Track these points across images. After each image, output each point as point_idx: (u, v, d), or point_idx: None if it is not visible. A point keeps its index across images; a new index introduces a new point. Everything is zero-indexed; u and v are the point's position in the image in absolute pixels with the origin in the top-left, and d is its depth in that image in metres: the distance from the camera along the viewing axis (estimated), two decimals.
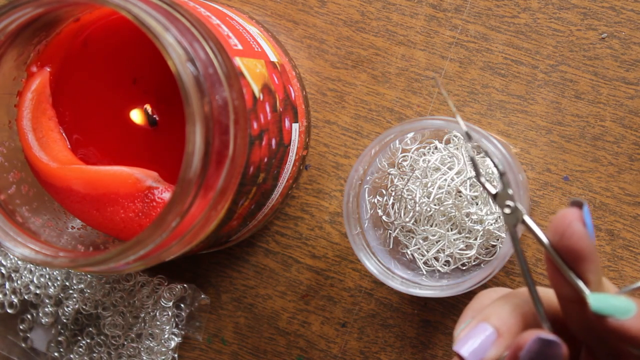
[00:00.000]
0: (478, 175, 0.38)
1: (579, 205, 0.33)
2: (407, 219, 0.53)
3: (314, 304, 0.57)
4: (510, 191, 0.37)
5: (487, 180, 0.39)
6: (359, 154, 0.56)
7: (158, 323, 0.58)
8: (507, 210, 0.37)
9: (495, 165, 0.38)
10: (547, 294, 0.37)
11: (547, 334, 0.33)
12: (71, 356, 0.59)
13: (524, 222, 0.36)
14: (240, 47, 0.47)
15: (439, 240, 0.53)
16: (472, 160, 0.38)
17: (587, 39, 0.53)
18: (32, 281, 0.59)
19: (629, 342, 0.32)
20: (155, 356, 0.58)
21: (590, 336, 0.35)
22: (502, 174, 0.37)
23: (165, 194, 0.47)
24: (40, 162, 0.48)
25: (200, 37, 0.42)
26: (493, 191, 0.37)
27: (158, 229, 0.40)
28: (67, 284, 0.59)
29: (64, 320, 0.59)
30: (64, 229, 0.48)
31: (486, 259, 0.53)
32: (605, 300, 0.32)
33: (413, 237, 0.53)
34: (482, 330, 0.35)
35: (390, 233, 0.54)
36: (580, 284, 0.33)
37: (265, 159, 0.47)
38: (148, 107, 0.50)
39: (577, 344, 0.37)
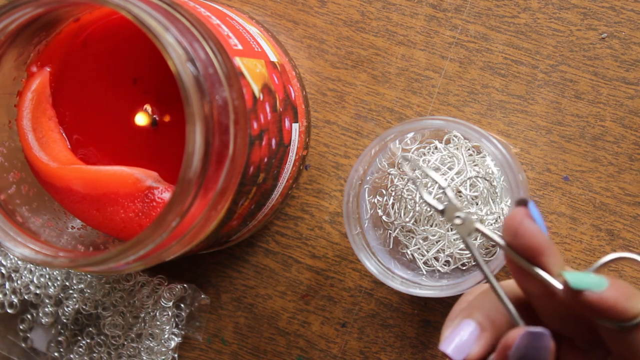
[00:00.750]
0: (422, 195, 0.38)
1: (524, 203, 0.34)
2: (407, 219, 0.53)
3: (314, 304, 0.57)
4: (457, 202, 0.37)
5: (433, 197, 0.39)
6: (359, 154, 0.56)
7: (158, 323, 0.58)
8: (457, 222, 0.37)
9: (438, 183, 0.38)
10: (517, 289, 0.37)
11: (534, 328, 0.34)
12: (71, 356, 0.59)
13: (477, 229, 0.37)
14: (240, 47, 0.47)
15: (439, 240, 0.53)
16: (415, 182, 0.39)
17: (587, 39, 0.53)
18: (32, 281, 0.59)
19: (606, 314, 0.33)
20: (155, 356, 0.58)
21: (566, 325, 0.36)
22: (444, 189, 0.38)
23: (165, 194, 0.47)
24: (40, 162, 0.48)
25: (200, 37, 0.42)
26: (440, 207, 0.38)
27: (158, 229, 0.40)
28: (67, 284, 0.59)
29: (64, 320, 0.59)
30: (64, 229, 0.48)
31: (486, 259, 0.53)
32: (580, 277, 0.33)
33: (413, 237, 0.53)
34: (466, 327, 0.36)
35: (390, 233, 0.54)
36: (546, 275, 0.34)
37: (265, 159, 0.47)
38: (148, 107, 0.50)
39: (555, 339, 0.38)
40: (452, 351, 0.35)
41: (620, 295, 0.33)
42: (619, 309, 0.33)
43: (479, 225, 0.37)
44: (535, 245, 0.34)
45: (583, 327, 0.36)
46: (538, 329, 0.34)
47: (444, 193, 0.38)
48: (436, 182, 0.38)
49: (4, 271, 0.59)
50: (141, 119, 0.50)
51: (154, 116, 0.50)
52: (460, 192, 0.52)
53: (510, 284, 0.37)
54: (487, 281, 0.36)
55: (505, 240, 0.35)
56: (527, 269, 0.34)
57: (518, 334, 0.34)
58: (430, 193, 0.38)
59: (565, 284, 0.33)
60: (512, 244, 0.34)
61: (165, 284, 0.58)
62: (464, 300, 0.39)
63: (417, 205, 0.53)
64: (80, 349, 0.59)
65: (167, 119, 0.50)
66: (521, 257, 0.34)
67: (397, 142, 0.53)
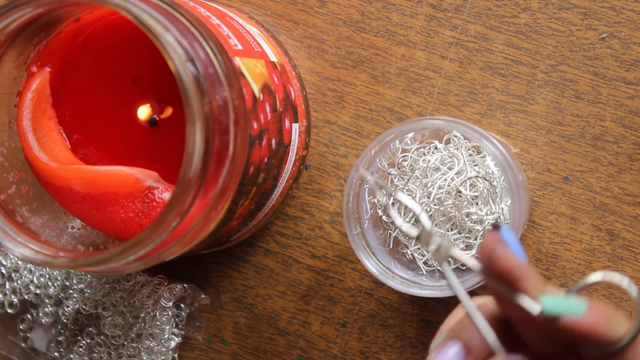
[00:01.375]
0: (396, 221, 0.38)
1: (497, 228, 0.33)
2: (407, 219, 0.53)
3: (314, 304, 0.57)
4: (431, 228, 0.37)
5: (408, 224, 0.38)
6: (359, 154, 0.56)
7: (158, 323, 0.58)
8: (432, 248, 0.36)
9: (412, 209, 0.38)
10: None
11: (513, 357, 0.33)
12: (71, 356, 0.59)
13: (452, 256, 0.36)
14: (240, 47, 0.47)
15: None
16: (387, 209, 0.39)
17: (587, 39, 0.53)
18: (32, 281, 0.59)
19: (585, 339, 0.32)
20: (155, 356, 0.58)
21: (549, 347, 0.35)
22: (417, 215, 0.37)
23: (165, 194, 0.47)
24: (40, 162, 0.48)
25: (200, 37, 0.42)
26: (414, 233, 0.37)
27: (158, 229, 0.40)
28: (67, 284, 0.59)
29: (64, 320, 0.59)
30: (64, 229, 0.48)
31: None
32: (557, 301, 0.32)
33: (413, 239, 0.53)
34: (452, 347, 0.35)
35: (390, 233, 0.54)
36: (523, 299, 0.33)
37: (265, 159, 0.47)
38: (148, 107, 0.50)
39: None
40: None
41: (599, 320, 0.32)
42: (599, 334, 0.32)
43: (454, 252, 0.36)
44: (509, 271, 0.33)
45: (567, 349, 0.35)
46: (515, 359, 0.33)
47: (419, 220, 0.37)
48: (412, 210, 0.38)
49: (4, 271, 0.59)
50: (144, 114, 0.50)
51: (154, 116, 0.50)
52: (460, 192, 0.52)
53: (492, 301, 0.37)
54: (465, 308, 0.35)
55: (482, 266, 0.34)
56: (504, 294, 0.33)
57: None
58: (407, 216, 0.38)
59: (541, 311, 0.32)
60: (489, 270, 0.33)
61: (165, 284, 0.58)
62: (452, 319, 0.39)
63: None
64: (80, 349, 0.59)
65: (167, 119, 0.50)
66: (498, 282, 0.34)
67: (397, 142, 0.53)
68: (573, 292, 0.34)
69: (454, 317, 0.39)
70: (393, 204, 0.39)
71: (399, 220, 0.37)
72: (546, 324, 0.32)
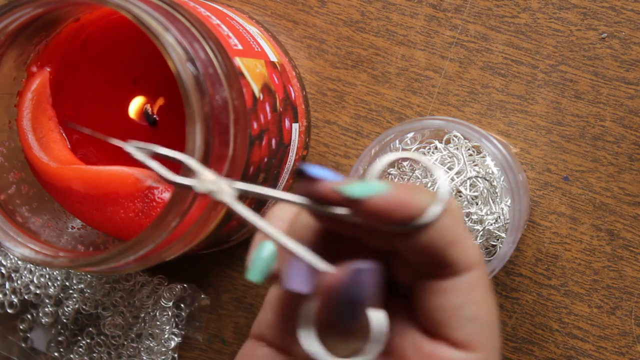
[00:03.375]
0: (165, 177, 0.34)
1: (303, 173, 0.32)
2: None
3: None
4: (199, 167, 0.33)
5: (173, 174, 0.34)
6: (359, 154, 0.56)
7: (158, 323, 0.58)
8: (211, 187, 0.33)
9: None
10: (302, 221, 0.34)
11: (359, 263, 0.31)
12: (71, 356, 0.59)
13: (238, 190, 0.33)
14: (240, 47, 0.47)
15: None
16: (150, 164, 0.34)
17: (587, 39, 0.53)
18: (32, 281, 0.59)
19: (393, 217, 0.31)
20: (155, 356, 0.58)
21: (372, 238, 0.33)
22: (182, 161, 0.34)
23: (165, 194, 0.47)
24: (40, 162, 0.48)
25: (200, 37, 0.42)
26: (187, 181, 0.34)
27: (158, 229, 0.40)
28: (67, 284, 0.59)
29: (64, 320, 0.59)
30: (64, 229, 0.48)
31: (486, 258, 0.53)
32: (359, 185, 0.31)
33: None
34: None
35: None
36: (336, 209, 0.32)
37: (265, 159, 0.47)
38: (148, 107, 0.50)
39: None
40: (301, 285, 0.32)
41: (403, 194, 0.31)
42: (405, 209, 0.31)
43: (238, 184, 0.33)
44: (335, 196, 0.32)
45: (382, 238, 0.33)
46: (363, 265, 0.31)
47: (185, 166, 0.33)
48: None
49: (4, 271, 0.59)
50: (141, 119, 0.50)
51: (154, 116, 0.50)
52: (460, 192, 0.52)
53: (301, 221, 0.34)
54: (278, 243, 0.32)
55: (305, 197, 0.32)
56: (322, 212, 0.32)
57: (342, 273, 0.31)
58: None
59: (348, 199, 0.31)
60: (316, 200, 0.32)
61: (165, 284, 0.58)
62: (276, 224, 0.35)
63: None
64: (80, 349, 0.59)
65: (167, 119, 0.50)
66: (311, 203, 0.32)
67: (397, 142, 0.53)
68: (370, 178, 0.33)
69: (274, 219, 0.35)
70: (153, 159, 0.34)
71: (168, 175, 0.34)
72: (353, 215, 0.31)
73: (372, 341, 0.32)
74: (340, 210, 0.32)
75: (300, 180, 0.32)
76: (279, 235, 0.32)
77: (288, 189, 0.55)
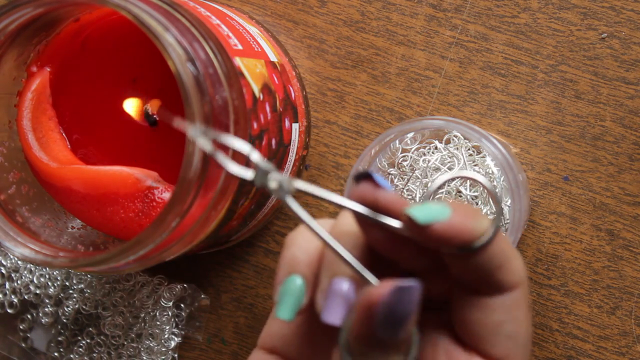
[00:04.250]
0: (227, 168, 0.33)
1: (367, 177, 0.32)
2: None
3: None
4: (266, 165, 0.33)
5: (239, 166, 0.34)
6: (359, 154, 0.56)
7: (158, 323, 0.58)
8: (273, 185, 0.33)
9: (242, 151, 0.33)
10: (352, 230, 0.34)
11: (404, 281, 0.31)
12: (71, 356, 0.59)
13: (298, 190, 0.33)
14: (240, 47, 0.47)
15: None
16: (216, 157, 0.33)
17: (587, 39, 0.53)
18: (32, 281, 0.59)
19: (454, 241, 0.31)
20: (155, 356, 0.58)
21: (404, 256, 0.33)
22: (248, 156, 0.33)
23: (165, 194, 0.47)
24: (40, 162, 0.48)
25: (200, 37, 0.42)
26: (250, 175, 0.33)
27: (158, 229, 0.40)
28: (67, 284, 0.59)
29: (64, 320, 0.59)
30: (64, 229, 0.48)
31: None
32: (424, 210, 0.31)
33: None
34: (341, 285, 0.32)
35: None
36: (390, 220, 0.32)
37: (266, 159, 0.47)
38: (148, 107, 0.50)
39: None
40: (338, 320, 0.32)
41: (465, 219, 0.31)
42: (466, 234, 0.31)
43: (299, 184, 0.32)
44: (389, 207, 0.32)
45: (434, 260, 0.34)
46: (408, 283, 0.31)
47: (251, 160, 0.32)
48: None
49: (4, 271, 0.59)
50: (141, 119, 0.50)
51: (154, 116, 0.50)
52: (460, 192, 0.52)
53: (345, 231, 0.34)
54: (327, 245, 0.32)
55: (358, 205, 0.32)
56: (373, 221, 0.32)
57: (386, 289, 0.30)
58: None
59: (411, 221, 0.31)
60: (371, 209, 0.32)
61: (165, 284, 0.58)
62: (296, 251, 0.34)
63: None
64: (80, 349, 0.59)
65: (166, 119, 0.50)
66: (365, 212, 0.32)
67: (397, 142, 0.53)
68: (428, 199, 0.33)
69: (298, 250, 0.34)
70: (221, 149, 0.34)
71: (230, 166, 0.33)
72: (414, 236, 0.31)
73: (408, 356, 0.32)
74: (394, 223, 0.32)
75: (363, 184, 0.32)
76: (331, 239, 0.32)
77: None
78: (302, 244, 0.35)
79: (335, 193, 0.33)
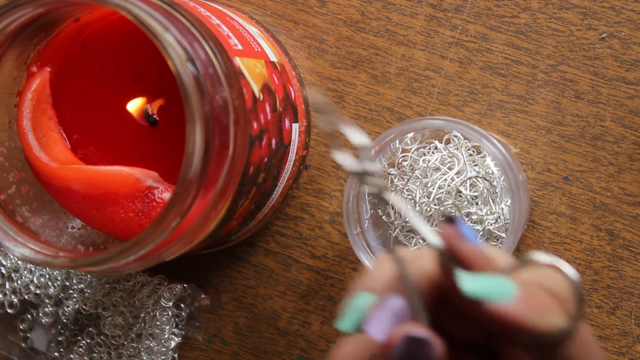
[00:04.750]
0: (338, 159, 0.33)
1: (452, 221, 0.30)
2: (407, 219, 0.53)
3: (314, 304, 0.57)
4: (370, 169, 0.32)
5: (434, 196, 0.35)
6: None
7: (158, 323, 0.58)
8: (372, 190, 0.32)
9: (361, 143, 0.33)
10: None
11: (416, 330, 0.28)
12: (71, 356, 0.59)
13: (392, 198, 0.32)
14: (240, 47, 0.47)
15: None
16: (330, 137, 0.33)
17: (587, 39, 0.53)
18: (32, 281, 0.59)
19: (511, 329, 0.28)
20: (155, 356, 0.58)
21: (478, 335, 0.31)
22: (365, 148, 0.33)
23: (165, 194, 0.47)
24: (40, 162, 0.48)
25: (200, 37, 0.42)
26: (356, 168, 0.33)
27: (158, 229, 0.40)
28: (67, 284, 0.59)
29: (64, 320, 0.59)
30: (64, 229, 0.48)
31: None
32: (481, 281, 0.27)
33: (413, 237, 0.53)
34: (393, 307, 0.30)
35: (390, 233, 0.54)
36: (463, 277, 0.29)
37: (265, 159, 0.47)
38: (148, 107, 0.50)
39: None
40: (382, 332, 0.30)
41: (529, 310, 0.27)
42: (527, 325, 0.27)
43: (394, 198, 0.32)
44: (470, 259, 0.29)
45: (495, 338, 0.31)
46: (419, 334, 0.28)
47: (362, 155, 0.32)
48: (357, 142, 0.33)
49: (4, 271, 0.59)
50: (141, 119, 0.50)
51: (154, 116, 0.50)
52: (460, 192, 0.52)
53: (423, 264, 0.31)
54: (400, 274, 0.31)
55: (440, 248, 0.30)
56: (451, 268, 0.30)
57: (399, 334, 0.28)
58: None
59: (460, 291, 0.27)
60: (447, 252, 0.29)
61: (165, 284, 0.58)
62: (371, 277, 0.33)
63: (416, 205, 0.53)
64: (80, 349, 0.59)
65: (167, 119, 0.50)
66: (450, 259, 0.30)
67: (397, 142, 0.53)
68: (506, 273, 0.29)
69: (379, 272, 0.33)
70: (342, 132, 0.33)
71: (340, 157, 0.33)
72: (467, 304, 0.28)
73: None
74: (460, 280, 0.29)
75: (447, 229, 0.29)
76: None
77: (288, 188, 0.55)
78: (385, 267, 0.33)
79: (425, 226, 0.31)
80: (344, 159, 0.32)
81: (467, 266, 0.29)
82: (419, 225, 0.31)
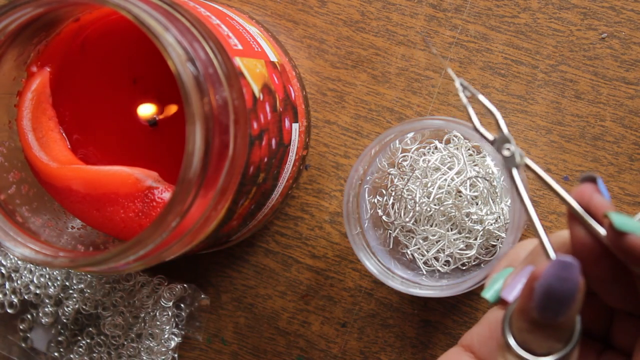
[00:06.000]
0: (475, 123, 0.38)
1: (592, 180, 0.33)
2: (407, 219, 0.53)
3: (314, 304, 0.57)
4: (507, 135, 0.36)
5: (434, 196, 0.38)
6: (359, 154, 0.56)
7: (158, 323, 0.58)
8: (506, 153, 0.36)
9: (492, 112, 0.37)
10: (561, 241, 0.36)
11: (564, 256, 0.32)
12: (71, 356, 0.59)
13: (526, 165, 0.36)
14: (240, 47, 0.47)
15: (439, 240, 0.53)
16: (467, 108, 0.38)
17: (587, 39, 0.53)
18: (32, 281, 0.59)
19: None
20: (155, 356, 0.58)
21: (610, 284, 0.34)
22: (497, 120, 0.37)
23: (165, 194, 0.47)
24: (40, 162, 0.48)
25: (200, 37, 0.42)
26: (491, 137, 0.37)
27: (158, 229, 0.40)
28: (67, 284, 0.59)
29: (64, 320, 0.59)
30: (64, 229, 0.48)
31: (486, 259, 0.53)
32: (626, 219, 0.31)
33: (413, 237, 0.53)
34: (528, 273, 0.34)
35: (390, 233, 0.54)
36: (595, 224, 0.33)
37: (265, 159, 0.47)
38: (151, 105, 0.50)
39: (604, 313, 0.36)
40: (513, 297, 0.34)
41: None
42: None
43: (528, 161, 0.36)
44: (602, 212, 0.33)
45: (626, 284, 0.34)
46: (567, 258, 0.32)
47: (497, 123, 0.37)
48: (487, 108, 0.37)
49: (4, 271, 0.59)
50: (142, 117, 0.50)
51: (154, 116, 0.50)
52: (460, 192, 0.52)
53: (560, 236, 0.35)
54: (528, 217, 0.35)
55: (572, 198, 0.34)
56: (580, 218, 0.33)
57: (547, 263, 0.32)
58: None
59: (610, 225, 0.31)
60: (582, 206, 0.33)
61: (165, 284, 0.58)
62: (515, 253, 0.38)
63: (417, 205, 0.53)
64: (80, 349, 0.59)
65: (167, 119, 0.50)
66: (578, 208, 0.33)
67: (397, 142, 0.53)
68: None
69: (515, 252, 0.38)
70: (467, 108, 0.39)
71: (477, 123, 0.37)
72: (609, 241, 0.32)
73: (569, 342, 0.33)
74: (599, 228, 0.32)
75: (585, 185, 0.33)
76: (537, 220, 0.34)
77: (288, 188, 0.55)
78: (528, 246, 0.37)
79: (554, 182, 0.35)
80: (483, 129, 0.37)
81: (598, 217, 0.33)
82: (557, 188, 0.34)
